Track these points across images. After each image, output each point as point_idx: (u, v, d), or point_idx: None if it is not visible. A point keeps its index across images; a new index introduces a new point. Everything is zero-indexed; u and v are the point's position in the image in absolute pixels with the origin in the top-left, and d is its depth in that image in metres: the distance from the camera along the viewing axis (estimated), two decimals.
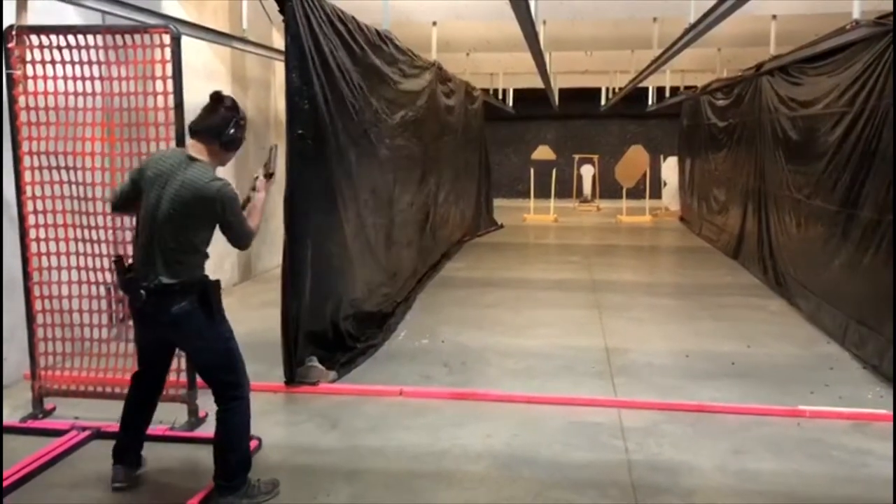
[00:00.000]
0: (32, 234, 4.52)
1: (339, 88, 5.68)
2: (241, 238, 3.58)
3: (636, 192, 16.54)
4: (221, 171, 3.60)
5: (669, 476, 3.93)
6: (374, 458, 4.14)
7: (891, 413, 4.78)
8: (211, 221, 3.47)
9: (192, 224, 3.42)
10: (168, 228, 3.40)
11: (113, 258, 3.69)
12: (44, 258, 4.57)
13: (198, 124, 3.52)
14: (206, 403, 4.29)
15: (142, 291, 3.43)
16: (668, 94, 15.47)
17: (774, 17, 8.80)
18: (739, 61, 12.05)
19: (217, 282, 3.58)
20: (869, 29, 5.83)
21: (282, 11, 5.01)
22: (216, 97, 3.54)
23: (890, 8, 5.54)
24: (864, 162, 6.02)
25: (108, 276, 4.53)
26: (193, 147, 3.52)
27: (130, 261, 3.63)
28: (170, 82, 4.28)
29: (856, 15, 6.22)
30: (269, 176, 3.80)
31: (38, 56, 4.40)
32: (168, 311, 3.42)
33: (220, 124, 3.48)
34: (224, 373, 3.57)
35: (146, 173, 3.50)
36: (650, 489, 3.79)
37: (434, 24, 9.35)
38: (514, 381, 5.44)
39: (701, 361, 5.92)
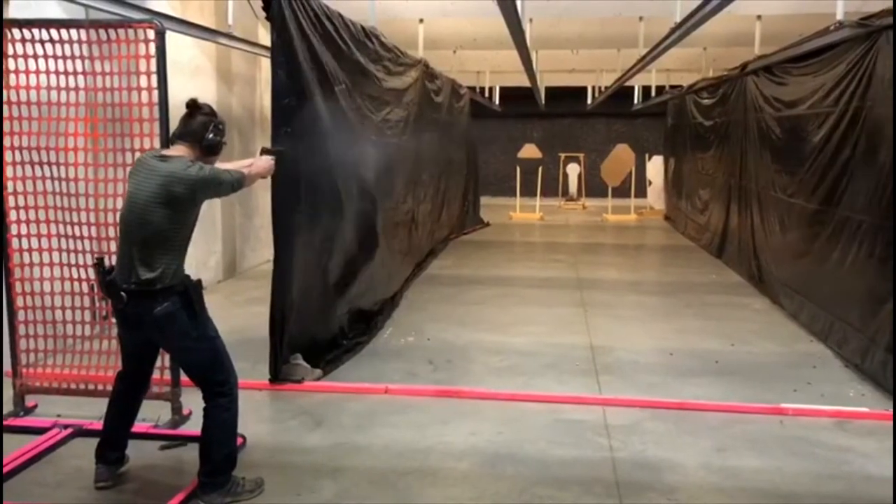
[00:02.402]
0: (14, 229, 4.48)
1: (325, 85, 5.65)
2: (235, 188, 3.63)
3: (622, 191, 16.60)
4: None
5: (653, 473, 3.95)
6: (359, 456, 4.13)
7: (871, 411, 4.83)
8: (198, 204, 3.50)
9: (173, 217, 3.40)
10: (147, 226, 3.38)
11: (94, 260, 3.67)
12: (25, 254, 4.53)
13: (178, 131, 3.57)
14: (190, 401, 4.28)
15: (123, 293, 3.42)
16: (653, 93, 15.53)
17: (759, 17, 8.87)
18: (725, 61, 12.13)
19: (199, 281, 3.57)
20: (852, 30, 5.88)
21: (266, 9, 4.98)
22: (192, 104, 3.58)
23: (872, 9, 5.59)
24: (847, 162, 6.06)
25: (91, 273, 4.50)
26: (177, 150, 3.52)
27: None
28: (154, 78, 4.25)
29: (839, 16, 6.27)
30: (266, 152, 4.04)
31: (20, 50, 4.35)
32: (151, 312, 3.40)
33: (199, 129, 3.53)
34: (210, 372, 3.56)
35: (130, 177, 3.54)
36: (634, 486, 3.80)
37: (421, 21, 9.35)
38: (500, 379, 5.45)
39: (685, 359, 5.95)
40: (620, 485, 3.82)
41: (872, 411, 4.83)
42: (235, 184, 3.61)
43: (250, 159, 4.03)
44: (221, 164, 3.73)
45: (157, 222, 3.37)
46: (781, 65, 7.87)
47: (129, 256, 3.41)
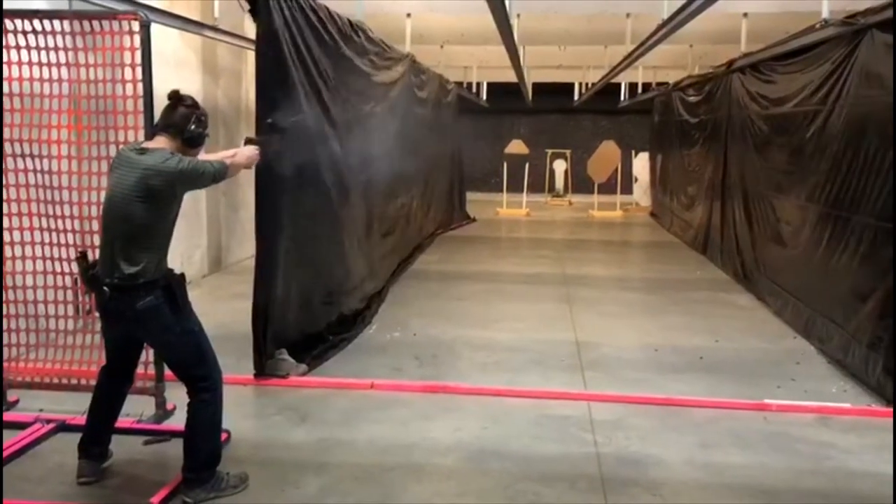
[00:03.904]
0: None
1: (312, 78, 5.63)
2: (217, 178, 3.59)
3: (608, 187, 16.64)
4: None
5: (638, 469, 3.96)
6: (344, 452, 4.12)
7: (853, 407, 4.88)
8: (178, 197, 3.47)
9: (153, 211, 3.37)
10: (127, 220, 3.35)
11: (77, 254, 3.64)
12: (7, 247, 4.48)
13: (160, 123, 3.55)
14: (175, 396, 4.26)
15: (105, 288, 3.39)
16: (640, 90, 15.58)
17: (745, 14, 8.91)
18: (711, 58, 12.18)
19: (182, 275, 3.55)
20: (837, 28, 5.92)
21: (252, 4, 4.94)
22: (175, 95, 3.55)
23: (857, 8, 5.63)
24: (832, 159, 6.10)
25: (74, 267, 4.46)
26: (158, 143, 3.49)
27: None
28: (139, 70, 4.21)
29: (824, 14, 6.32)
30: (251, 141, 3.99)
31: (1, 41, 4.30)
32: (133, 306, 3.38)
33: (181, 122, 3.50)
34: (194, 367, 3.54)
35: (111, 171, 3.50)
36: (619, 482, 3.81)
37: (408, 15, 9.32)
38: (485, 375, 5.45)
39: (670, 355, 5.98)
40: (605, 480, 3.83)
41: (854, 407, 4.87)
42: (217, 174, 3.57)
43: (234, 149, 3.99)
44: (204, 156, 3.70)
45: (139, 216, 3.34)
46: (767, 62, 7.91)
47: (112, 251, 3.38)
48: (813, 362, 5.85)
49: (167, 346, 3.58)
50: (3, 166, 4.39)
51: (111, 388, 3.75)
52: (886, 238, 5.11)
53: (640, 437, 4.36)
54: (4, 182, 4.43)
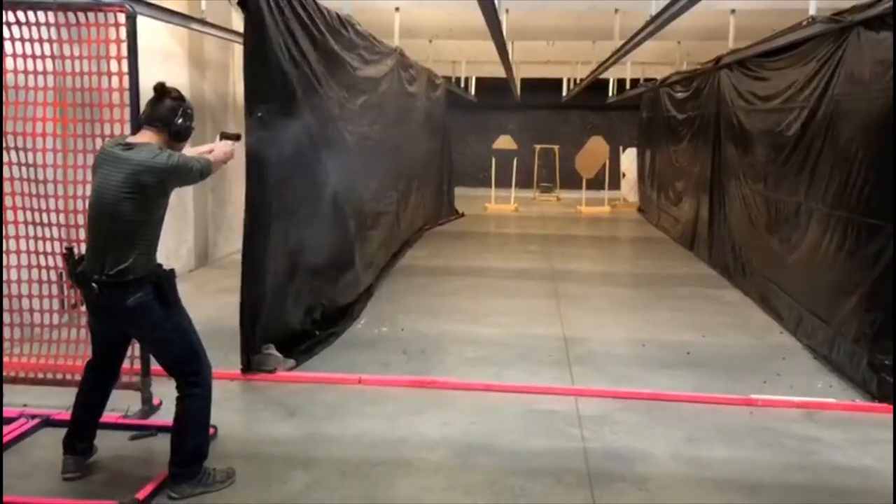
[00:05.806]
0: None
1: (301, 72, 5.60)
2: (204, 175, 3.58)
3: (596, 183, 16.67)
4: None
5: (624, 463, 3.98)
6: (332, 446, 4.12)
7: (838, 402, 4.91)
8: (168, 193, 3.45)
9: (143, 207, 3.35)
10: (116, 217, 3.32)
11: (64, 249, 3.61)
12: None
13: (145, 116, 3.51)
14: (161, 391, 4.23)
15: (94, 285, 3.36)
16: (628, 86, 15.61)
17: (733, 11, 8.94)
18: (699, 54, 12.23)
19: (171, 270, 3.52)
20: (824, 25, 5.94)
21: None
22: (160, 88, 3.51)
23: (844, 5, 5.66)
24: (818, 156, 6.13)
25: (60, 261, 4.43)
26: (144, 137, 3.46)
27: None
28: (125, 63, 4.18)
29: (812, 11, 6.34)
30: (227, 137, 3.93)
31: (2, 34, 4.25)
32: (123, 303, 3.35)
33: (168, 115, 3.47)
34: (184, 362, 3.52)
35: (97, 168, 3.46)
36: (605, 476, 3.83)
37: (397, 9, 9.30)
38: (473, 369, 5.46)
39: (657, 350, 6.00)
40: (592, 475, 3.84)
41: (839, 402, 4.90)
42: (204, 171, 3.55)
43: (210, 145, 3.92)
44: (187, 150, 3.68)
45: (128, 213, 3.31)
46: (755, 59, 7.93)
47: (100, 248, 3.36)
48: (799, 358, 5.88)
49: (158, 342, 3.55)
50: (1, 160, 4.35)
51: (97, 383, 3.73)
52: (871, 233, 5.14)
53: (627, 432, 4.38)
54: None
